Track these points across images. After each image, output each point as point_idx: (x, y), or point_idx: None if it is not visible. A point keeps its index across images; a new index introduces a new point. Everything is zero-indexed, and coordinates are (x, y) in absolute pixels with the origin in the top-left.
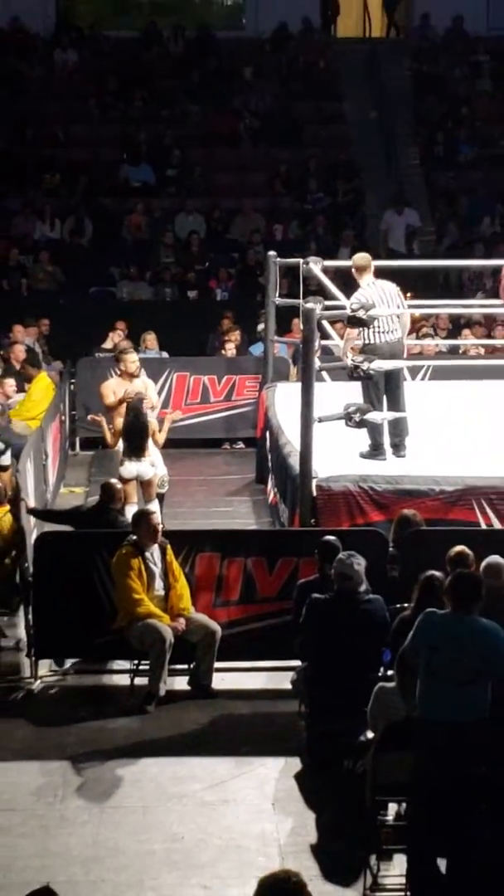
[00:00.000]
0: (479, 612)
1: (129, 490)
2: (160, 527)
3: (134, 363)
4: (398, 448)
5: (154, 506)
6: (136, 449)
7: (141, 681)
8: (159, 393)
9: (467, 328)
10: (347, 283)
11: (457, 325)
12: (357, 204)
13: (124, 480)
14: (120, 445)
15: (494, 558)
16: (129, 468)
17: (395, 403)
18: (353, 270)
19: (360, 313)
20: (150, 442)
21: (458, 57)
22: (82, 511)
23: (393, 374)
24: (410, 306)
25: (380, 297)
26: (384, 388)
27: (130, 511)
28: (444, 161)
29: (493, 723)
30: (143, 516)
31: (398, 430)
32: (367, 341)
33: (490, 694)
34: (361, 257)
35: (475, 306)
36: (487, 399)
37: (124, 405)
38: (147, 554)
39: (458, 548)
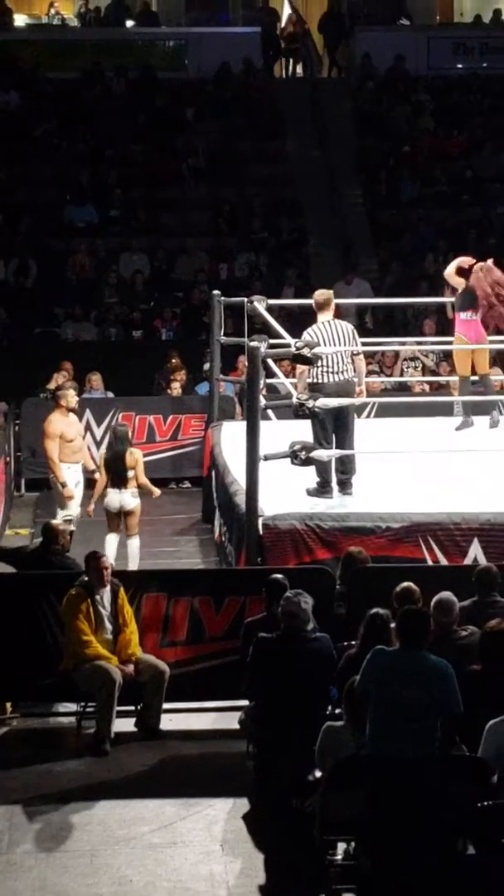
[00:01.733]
0: (430, 649)
1: (113, 520)
2: (109, 570)
3: (74, 398)
4: (345, 485)
5: (135, 541)
6: (116, 479)
7: (88, 723)
8: (104, 433)
9: (417, 370)
10: (292, 321)
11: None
12: (301, 243)
13: (108, 512)
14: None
15: (445, 595)
16: (112, 498)
17: (343, 441)
18: (314, 305)
19: (305, 351)
20: (132, 475)
21: (400, 96)
22: (25, 552)
23: (340, 412)
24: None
25: (329, 336)
26: (332, 426)
27: (111, 541)
28: (387, 199)
29: (442, 760)
30: (92, 559)
31: (346, 467)
32: (314, 380)
33: (439, 731)
34: (320, 294)
35: (425, 343)
36: (433, 435)
37: (73, 441)
38: (97, 596)
39: (405, 584)
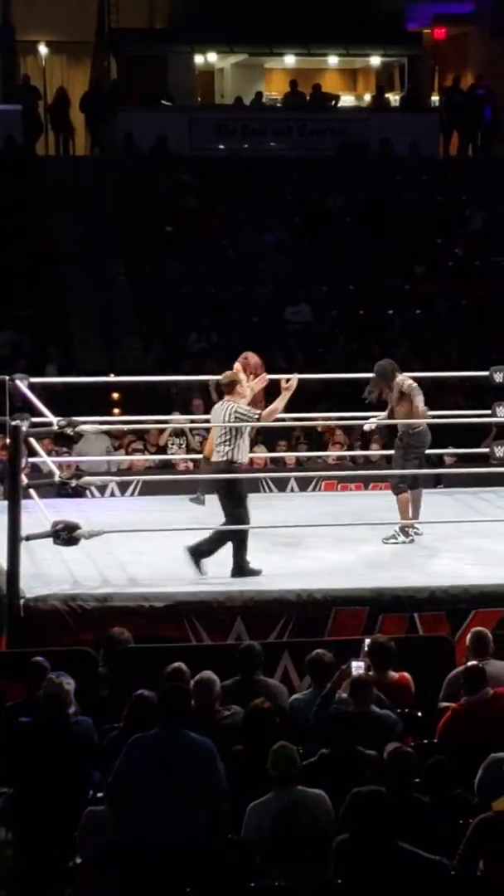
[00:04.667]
0: (191, 727)
1: None
2: None
3: None
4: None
5: None
6: None
7: None
8: None
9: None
10: (55, 399)
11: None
12: (64, 320)
13: None
14: None
15: (206, 674)
16: None
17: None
18: None
19: (67, 430)
20: None
21: (163, 175)
22: None
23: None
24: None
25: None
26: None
27: None
28: (150, 277)
29: (207, 842)
30: None
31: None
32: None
33: (204, 812)
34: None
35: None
36: (196, 513)
37: None
38: None
39: (175, 665)
